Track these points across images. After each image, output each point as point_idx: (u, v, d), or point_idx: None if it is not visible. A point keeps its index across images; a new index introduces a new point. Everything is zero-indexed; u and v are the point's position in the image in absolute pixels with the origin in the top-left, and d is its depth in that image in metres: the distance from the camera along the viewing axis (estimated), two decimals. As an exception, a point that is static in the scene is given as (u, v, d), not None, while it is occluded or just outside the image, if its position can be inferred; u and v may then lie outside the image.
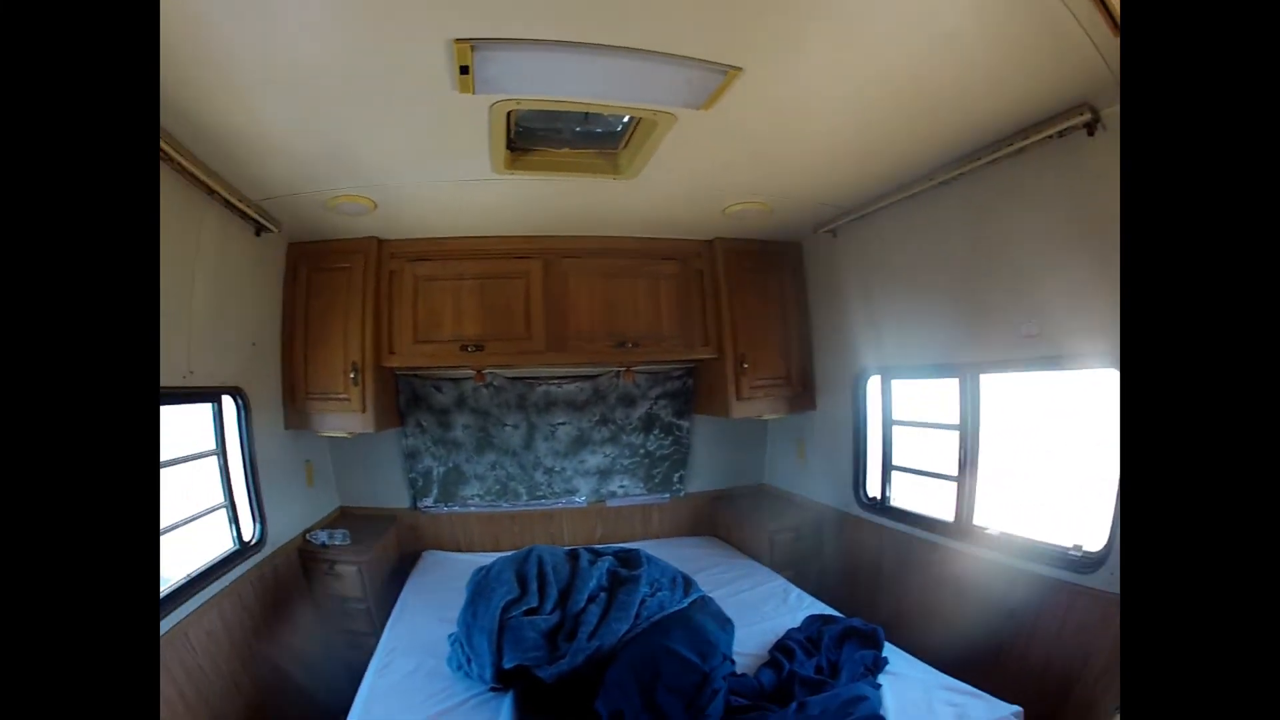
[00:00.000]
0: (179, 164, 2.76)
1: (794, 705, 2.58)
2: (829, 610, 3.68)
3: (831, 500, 4.78)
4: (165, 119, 2.51)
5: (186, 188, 2.99)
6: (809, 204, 4.02)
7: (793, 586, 4.16)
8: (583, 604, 3.30)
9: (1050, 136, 2.67)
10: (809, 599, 3.94)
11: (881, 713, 2.55)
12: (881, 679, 2.85)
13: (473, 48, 2.10)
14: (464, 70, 2.21)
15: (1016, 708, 2.51)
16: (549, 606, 3.30)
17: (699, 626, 3.12)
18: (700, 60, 2.25)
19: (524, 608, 3.23)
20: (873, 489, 4.47)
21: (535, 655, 2.95)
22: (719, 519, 5.53)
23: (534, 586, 3.38)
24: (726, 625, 3.33)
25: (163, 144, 2.57)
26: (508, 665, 2.92)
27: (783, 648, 3.19)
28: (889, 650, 3.10)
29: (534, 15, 2.00)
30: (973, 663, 3.02)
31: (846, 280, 4.49)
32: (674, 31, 2.10)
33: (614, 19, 2.04)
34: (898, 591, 4.05)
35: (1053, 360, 2.94)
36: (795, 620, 3.52)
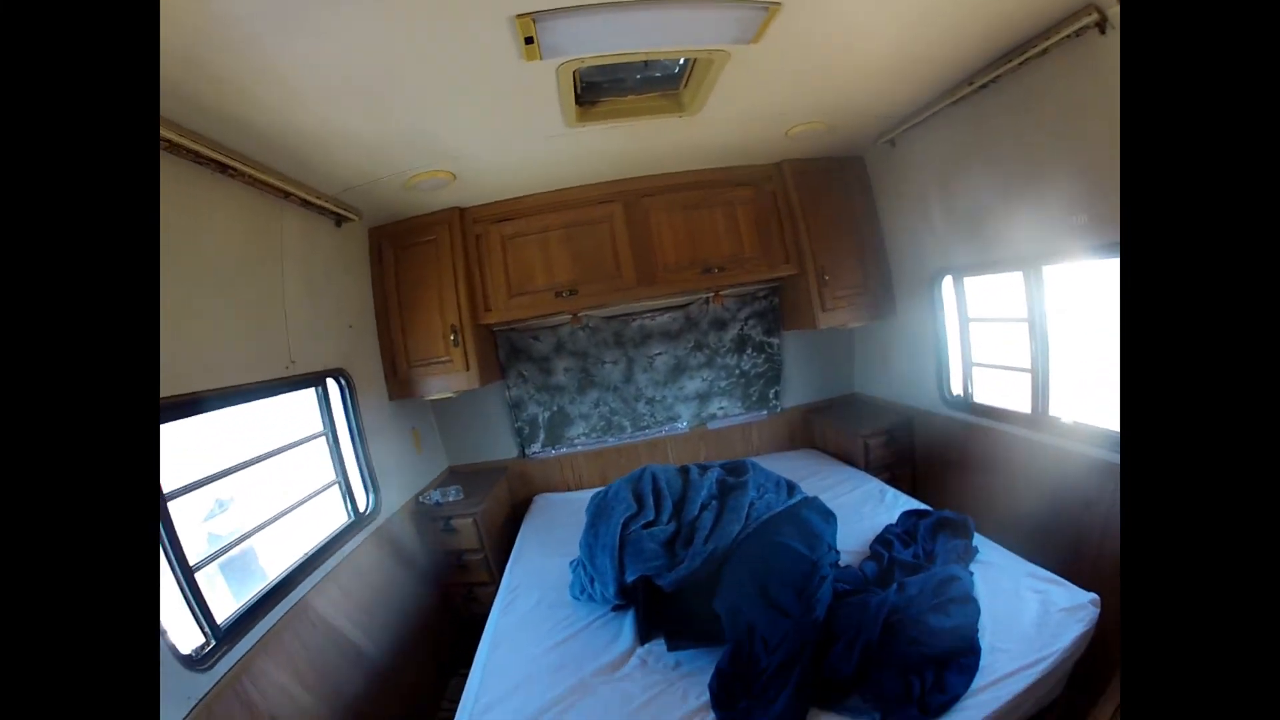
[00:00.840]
0: (250, 176, 2.98)
1: (894, 586, 2.76)
2: (922, 506, 3.84)
3: (918, 402, 4.95)
4: (229, 135, 2.72)
5: (261, 196, 3.22)
6: (865, 118, 4.10)
7: (888, 487, 4.35)
8: (696, 512, 3.50)
9: (1068, 36, 2.76)
10: (904, 497, 4.13)
11: (973, 594, 2.71)
12: (973, 567, 3.01)
13: (534, 20, 2.28)
14: (529, 41, 2.39)
15: (1094, 595, 2.62)
16: (665, 518, 3.51)
17: (805, 520, 3.31)
18: (739, 1, 2.40)
19: (642, 521, 3.45)
20: (956, 387, 4.60)
21: (656, 564, 3.16)
22: (815, 430, 5.72)
23: (650, 501, 3.60)
24: (829, 518, 3.52)
25: (229, 160, 2.79)
26: (630, 578, 3.13)
27: (882, 540, 3.40)
28: (978, 540, 3.26)
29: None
30: (1052, 552, 3.16)
31: (909, 187, 4.57)
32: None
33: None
34: (983, 484, 4.16)
35: (1107, 248, 2.99)
36: (892, 517, 3.71)
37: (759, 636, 2.57)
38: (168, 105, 2.32)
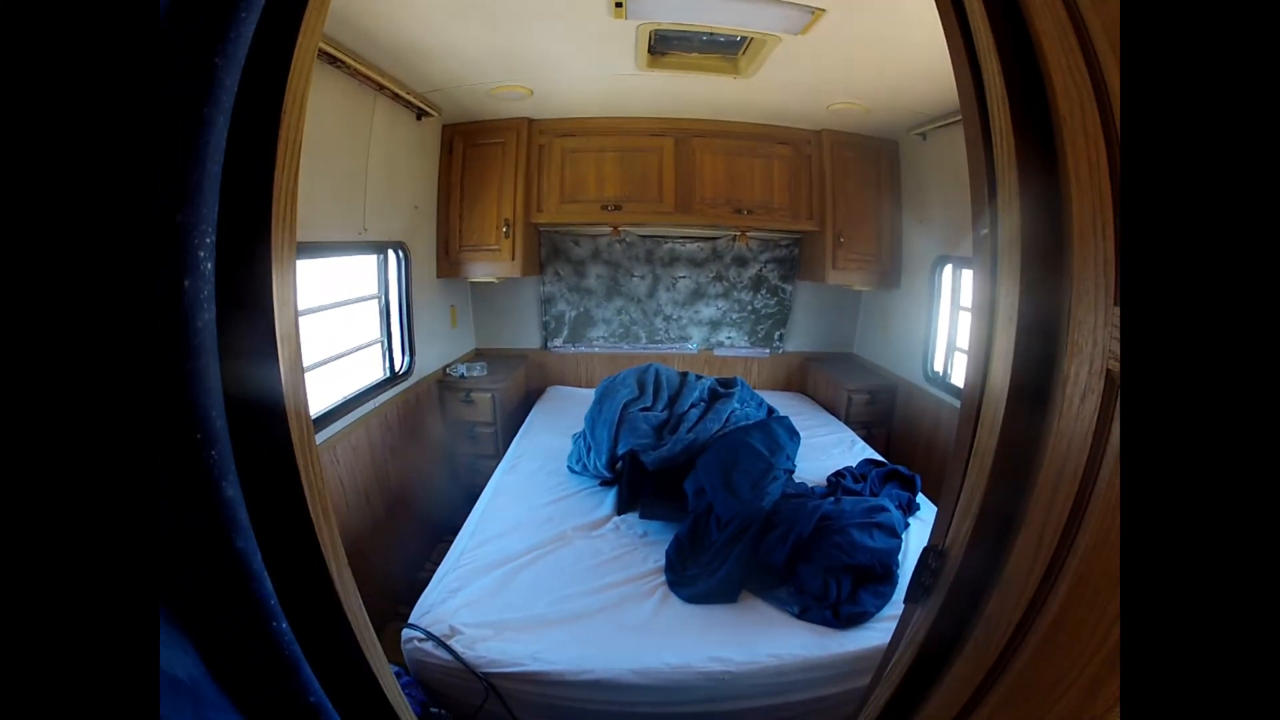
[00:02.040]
0: (353, 69, 3.41)
1: (832, 498, 3.24)
2: (881, 458, 4.25)
3: (903, 372, 5.35)
4: (344, 34, 3.19)
5: (359, 86, 3.63)
6: (900, 110, 4.45)
7: (858, 439, 4.77)
8: (686, 408, 4.05)
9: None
10: (870, 450, 4.52)
11: (900, 531, 3.10)
12: (911, 520, 3.38)
13: (627, -11, 2.79)
14: (619, 4, 2.89)
15: None
16: (660, 406, 4.07)
17: (772, 430, 3.77)
18: (792, 2, 2.85)
19: (640, 405, 4.00)
20: (938, 365, 4.94)
21: (644, 443, 3.67)
22: (808, 378, 6.18)
23: (650, 390, 4.15)
24: (794, 436, 4.00)
25: (338, 53, 3.23)
26: (621, 450, 3.64)
27: (837, 474, 3.83)
28: (922, 500, 3.64)
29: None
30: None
31: (930, 178, 4.88)
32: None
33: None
34: (945, 457, 4.48)
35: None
36: (853, 463, 4.11)
37: (714, 515, 3.08)
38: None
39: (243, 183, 0.96)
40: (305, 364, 3.37)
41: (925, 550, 1.52)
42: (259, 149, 1.01)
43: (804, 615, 2.63)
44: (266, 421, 1.04)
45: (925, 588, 1.50)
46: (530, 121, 5.04)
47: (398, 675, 2.32)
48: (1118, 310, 0.99)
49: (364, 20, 3.05)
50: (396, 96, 4.01)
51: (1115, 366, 0.99)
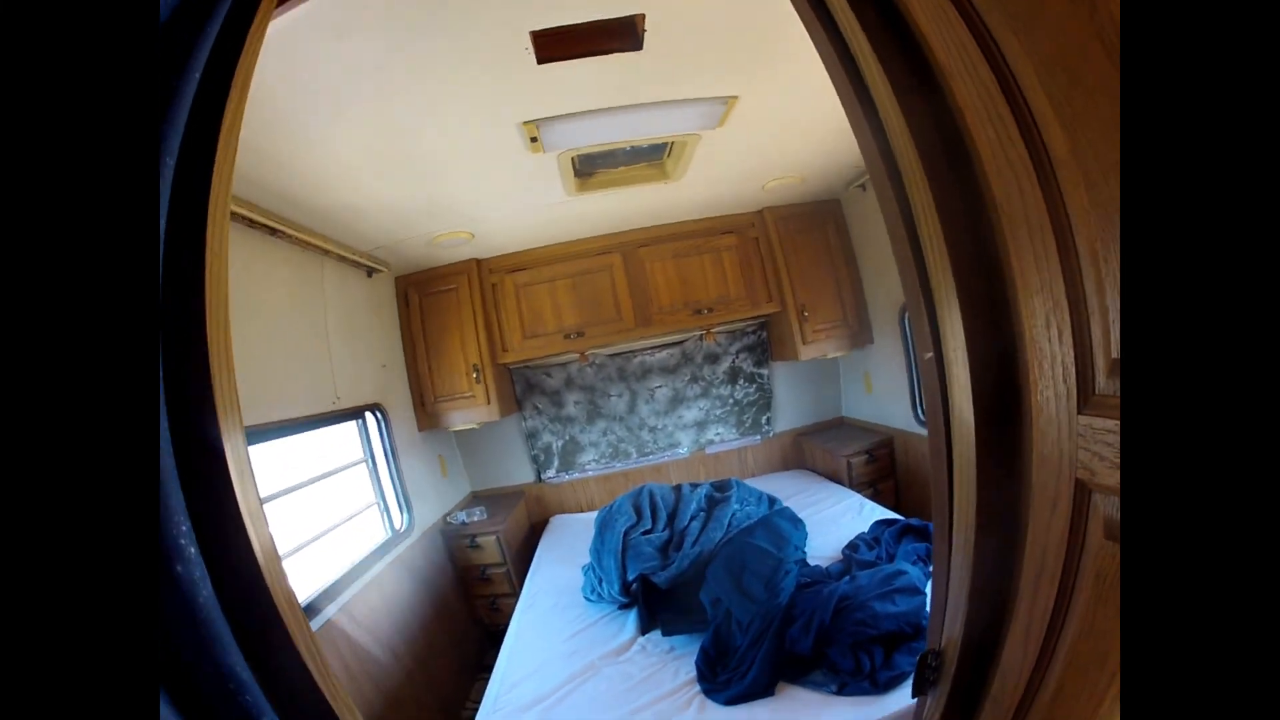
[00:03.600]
0: (298, 239, 3.47)
1: (847, 578, 3.23)
2: (893, 516, 4.19)
3: (896, 422, 5.27)
4: (279, 205, 3.25)
5: (304, 253, 3.67)
6: (833, 170, 4.53)
7: (867, 501, 4.71)
8: (686, 521, 4.03)
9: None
10: (879, 509, 4.46)
11: (922, 587, 3.03)
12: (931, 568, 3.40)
13: (538, 125, 2.85)
14: (534, 140, 2.96)
15: None
16: (660, 527, 4.06)
17: (775, 525, 3.77)
18: (703, 99, 2.93)
19: (641, 530, 3.99)
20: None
21: (651, 565, 3.65)
22: (805, 452, 6.10)
23: (647, 513, 4.14)
24: (798, 524, 3.99)
25: (277, 225, 3.27)
26: (631, 576, 3.61)
27: (851, 545, 3.81)
28: None
29: (576, 97, 2.73)
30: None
31: (879, 226, 4.76)
32: (678, 83, 2.78)
33: (632, 88, 2.75)
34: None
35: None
36: (865, 527, 4.06)
37: (734, 620, 3.04)
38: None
39: (188, 430, 1.01)
40: (306, 538, 3.31)
41: (923, 654, 1.54)
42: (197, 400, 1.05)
43: (843, 691, 2.62)
44: (275, 645, 1.11)
45: (931, 682, 1.54)
46: (479, 262, 5.12)
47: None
48: (1081, 419, 1.01)
49: (292, 189, 3.11)
50: (343, 258, 4.07)
51: (1085, 476, 1.01)
